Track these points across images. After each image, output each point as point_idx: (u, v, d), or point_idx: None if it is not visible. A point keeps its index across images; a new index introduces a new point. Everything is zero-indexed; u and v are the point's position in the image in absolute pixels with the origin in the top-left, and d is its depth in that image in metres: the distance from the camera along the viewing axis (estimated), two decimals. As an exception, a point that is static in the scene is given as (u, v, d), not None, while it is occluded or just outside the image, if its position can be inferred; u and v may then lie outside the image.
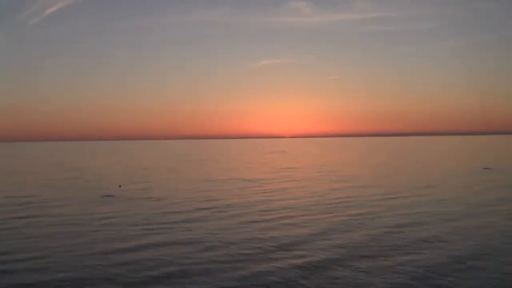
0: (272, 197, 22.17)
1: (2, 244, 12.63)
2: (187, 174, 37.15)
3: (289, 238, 12.94)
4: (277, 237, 13.12)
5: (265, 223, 15.36)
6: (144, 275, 9.63)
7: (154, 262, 10.62)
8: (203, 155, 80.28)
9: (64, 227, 15.12)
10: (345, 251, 11.37)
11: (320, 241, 12.45)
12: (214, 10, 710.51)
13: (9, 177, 36.26)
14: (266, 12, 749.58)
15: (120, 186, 28.67)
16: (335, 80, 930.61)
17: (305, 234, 13.36)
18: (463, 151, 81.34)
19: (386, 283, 8.90)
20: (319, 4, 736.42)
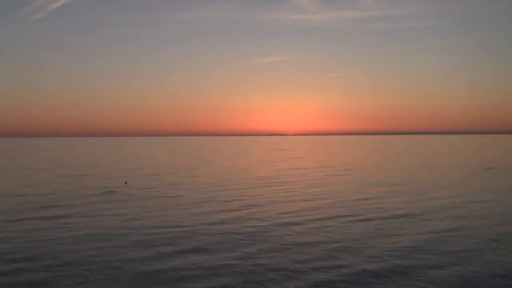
0: (314, 202, 20.20)
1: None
2: (198, 172, 37.80)
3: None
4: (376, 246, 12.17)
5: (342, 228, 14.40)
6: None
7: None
8: (210, 152, 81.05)
9: (74, 227, 14.80)
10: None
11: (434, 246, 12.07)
12: (218, 7, 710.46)
13: (12, 174, 36.63)
14: (270, 9, 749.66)
15: (126, 183, 28.25)
16: (338, 78, 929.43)
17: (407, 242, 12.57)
18: (464, 150, 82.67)
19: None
20: (323, 0, 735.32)
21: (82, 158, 61.47)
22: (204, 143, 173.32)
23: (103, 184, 28.29)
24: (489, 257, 11.00)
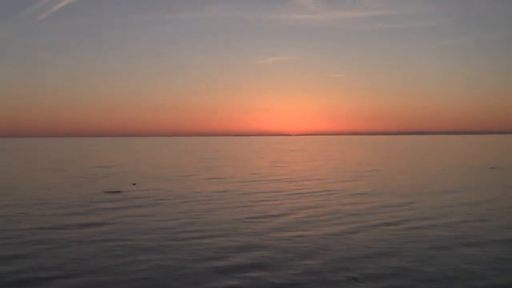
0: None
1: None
2: (219, 173, 38.08)
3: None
4: None
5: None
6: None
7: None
8: (220, 153, 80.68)
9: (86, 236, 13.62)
10: None
11: None
12: (220, 7, 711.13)
13: (23, 175, 36.85)
14: (271, 9, 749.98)
15: (134, 184, 27.90)
16: (338, 78, 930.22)
17: None
18: (466, 150, 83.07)
19: None
20: (324, 0, 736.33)
21: (89, 159, 61.66)
22: (208, 143, 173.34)
23: (109, 183, 28.39)
24: None
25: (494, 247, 11.93)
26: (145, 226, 15.04)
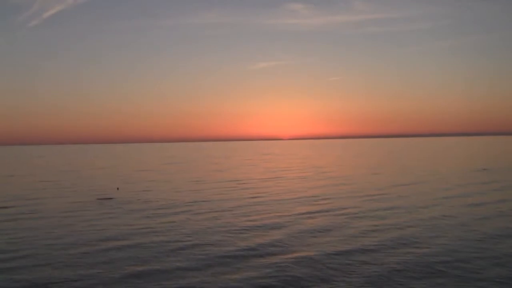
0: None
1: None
2: (213, 177, 38.41)
3: None
4: None
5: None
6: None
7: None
8: (215, 159, 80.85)
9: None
10: None
11: None
12: (212, 12, 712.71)
13: (8, 180, 36.89)
14: (263, 14, 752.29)
15: (118, 188, 28.61)
16: (335, 81, 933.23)
17: None
18: (462, 152, 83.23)
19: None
20: (317, 5, 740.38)
21: (83, 165, 61.31)
22: (202, 149, 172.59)
23: (97, 189, 28.10)
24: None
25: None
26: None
